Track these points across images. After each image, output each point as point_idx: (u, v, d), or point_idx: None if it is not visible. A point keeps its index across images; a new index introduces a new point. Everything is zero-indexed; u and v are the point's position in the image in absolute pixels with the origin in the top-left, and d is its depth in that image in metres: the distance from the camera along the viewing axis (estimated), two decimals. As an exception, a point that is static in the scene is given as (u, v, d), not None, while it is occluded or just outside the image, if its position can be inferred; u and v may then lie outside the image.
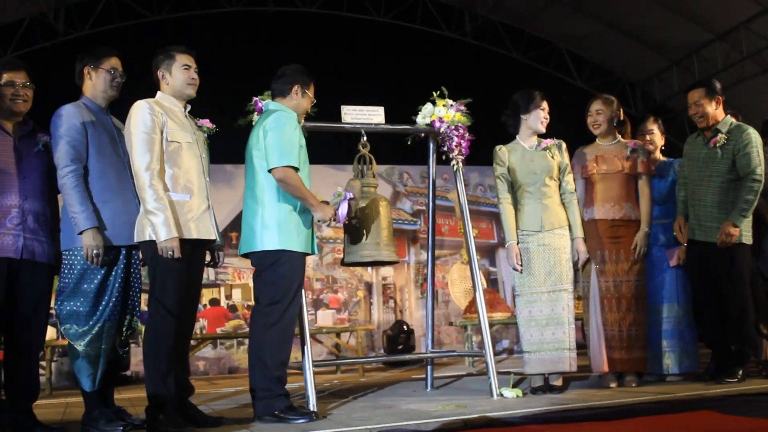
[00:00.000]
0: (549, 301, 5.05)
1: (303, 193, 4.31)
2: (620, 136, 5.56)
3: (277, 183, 4.31)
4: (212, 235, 4.27)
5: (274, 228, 4.31)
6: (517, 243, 5.18)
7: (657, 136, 5.80)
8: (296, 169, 4.30)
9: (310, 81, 4.63)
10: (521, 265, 5.14)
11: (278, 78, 4.60)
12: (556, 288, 5.06)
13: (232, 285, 11.30)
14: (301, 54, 10.76)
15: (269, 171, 4.30)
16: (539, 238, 5.12)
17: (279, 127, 4.32)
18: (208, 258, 4.47)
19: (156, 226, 3.95)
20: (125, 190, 4.21)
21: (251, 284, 4.60)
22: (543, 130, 5.24)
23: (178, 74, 4.28)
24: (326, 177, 11.39)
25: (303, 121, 4.85)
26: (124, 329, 4.29)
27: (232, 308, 11.33)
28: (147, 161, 4.01)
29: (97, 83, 4.31)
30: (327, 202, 4.50)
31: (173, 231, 3.97)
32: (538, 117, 5.21)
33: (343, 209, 4.50)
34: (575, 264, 5.15)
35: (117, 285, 4.18)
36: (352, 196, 4.59)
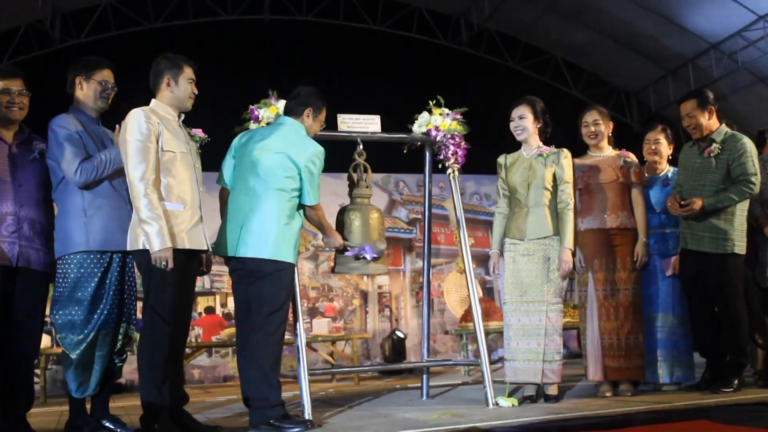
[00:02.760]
0: (528, 311, 5.03)
1: (324, 225, 4.69)
2: (610, 146, 5.56)
3: (306, 212, 4.51)
4: (204, 245, 4.27)
5: (283, 239, 4.33)
6: (502, 252, 5.22)
7: (663, 146, 5.72)
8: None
9: (322, 105, 4.66)
10: (499, 274, 5.22)
11: (292, 98, 4.64)
12: (536, 299, 5.02)
13: (228, 293, 11.26)
14: (297, 62, 10.83)
15: (306, 205, 4.46)
16: (524, 247, 5.10)
17: (320, 166, 4.47)
18: None
19: (150, 236, 3.94)
20: (117, 197, 4.22)
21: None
22: (520, 138, 5.21)
23: (185, 86, 4.28)
24: (322, 185, 11.35)
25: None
26: (119, 337, 4.27)
27: (228, 316, 11.29)
28: (142, 171, 4.00)
29: (87, 94, 4.31)
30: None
31: (167, 241, 3.96)
32: (512, 128, 5.24)
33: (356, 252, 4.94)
34: (569, 273, 5.10)
35: (112, 292, 4.17)
36: (366, 254, 4.94)
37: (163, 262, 3.95)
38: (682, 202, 5.20)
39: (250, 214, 4.35)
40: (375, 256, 4.90)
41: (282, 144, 4.40)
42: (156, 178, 4.05)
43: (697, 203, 5.11)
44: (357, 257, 4.90)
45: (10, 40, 11.17)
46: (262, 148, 4.42)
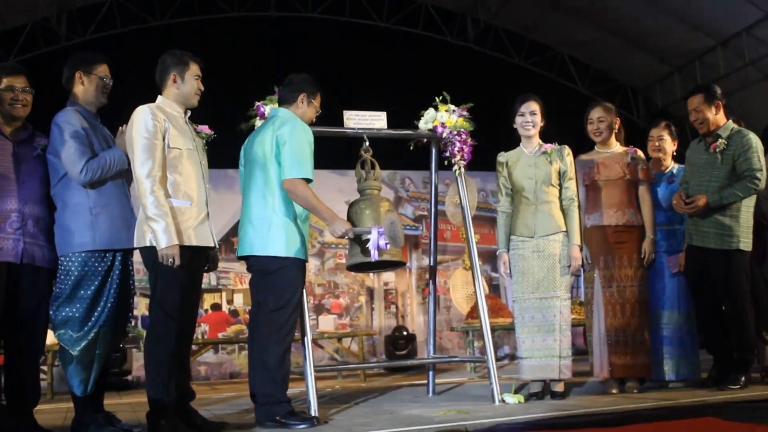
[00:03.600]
0: (541, 307, 5.03)
1: (314, 205, 4.33)
2: (618, 142, 5.54)
3: (288, 188, 4.31)
4: (211, 242, 4.27)
5: (283, 234, 4.32)
6: (509, 250, 5.22)
7: (667, 142, 5.73)
8: (309, 181, 4.32)
9: (317, 91, 4.65)
10: (509, 273, 5.19)
11: (285, 86, 4.63)
12: (549, 295, 5.03)
13: (234, 290, 11.28)
14: (303, 59, 10.81)
15: (285, 180, 4.30)
16: (533, 244, 5.10)
17: (296, 139, 4.32)
18: None
19: (156, 233, 3.95)
20: (121, 196, 4.24)
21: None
22: (529, 134, 5.20)
23: (191, 82, 4.28)
24: (328, 182, 11.42)
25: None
26: (118, 334, 4.27)
27: (234, 313, 11.32)
28: (149, 168, 4.00)
29: (89, 89, 4.30)
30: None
31: (174, 239, 3.96)
32: (520, 123, 5.22)
33: (374, 244, 4.49)
34: (575, 270, 5.11)
35: (113, 290, 4.16)
36: (383, 232, 4.52)
37: (170, 259, 3.95)
38: (687, 200, 5.19)
39: (247, 213, 4.39)
40: (388, 242, 4.53)
41: (269, 134, 4.39)
42: (162, 175, 4.05)
43: (702, 200, 5.10)
44: (366, 246, 4.59)
45: (17, 37, 11.20)
46: (256, 145, 4.44)
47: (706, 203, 5.09)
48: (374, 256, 4.53)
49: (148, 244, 4.02)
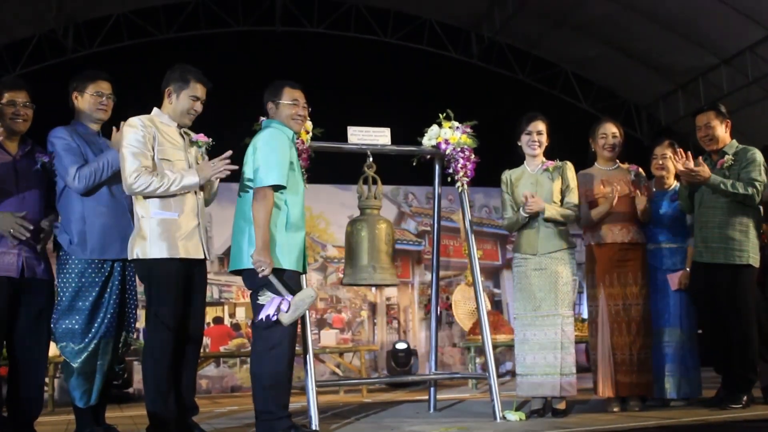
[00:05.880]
0: (543, 325, 5.02)
1: (259, 225, 4.06)
2: (618, 159, 5.55)
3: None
4: (201, 254, 4.21)
5: (284, 246, 4.19)
6: (513, 267, 5.23)
7: (671, 161, 5.74)
8: (283, 187, 4.19)
9: (279, 90, 4.46)
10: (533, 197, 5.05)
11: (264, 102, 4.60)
12: (551, 312, 5.01)
13: (236, 303, 11.29)
14: (307, 74, 10.82)
15: (255, 188, 4.16)
16: (535, 262, 5.10)
17: (266, 145, 4.22)
18: None
19: (184, 185, 4.07)
20: (117, 205, 4.26)
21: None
22: (534, 153, 5.21)
23: (185, 101, 4.27)
24: (332, 197, 11.46)
25: (308, 138, 4.91)
26: (120, 345, 4.28)
27: (236, 327, 11.32)
28: (136, 166, 4.03)
29: (83, 106, 4.35)
30: None
31: (193, 176, 4.09)
32: (526, 142, 5.23)
33: (275, 306, 4.05)
34: (534, 205, 5.02)
35: (112, 301, 4.18)
36: (289, 301, 4.06)
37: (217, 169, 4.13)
38: (695, 168, 5.11)
39: (235, 227, 4.29)
40: (287, 313, 4.02)
41: (249, 148, 4.35)
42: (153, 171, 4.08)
43: (707, 171, 5.07)
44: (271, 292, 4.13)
45: (24, 49, 11.27)
46: (247, 160, 4.35)
47: (708, 177, 5.06)
48: (265, 315, 4.07)
49: (134, 257, 4.05)
